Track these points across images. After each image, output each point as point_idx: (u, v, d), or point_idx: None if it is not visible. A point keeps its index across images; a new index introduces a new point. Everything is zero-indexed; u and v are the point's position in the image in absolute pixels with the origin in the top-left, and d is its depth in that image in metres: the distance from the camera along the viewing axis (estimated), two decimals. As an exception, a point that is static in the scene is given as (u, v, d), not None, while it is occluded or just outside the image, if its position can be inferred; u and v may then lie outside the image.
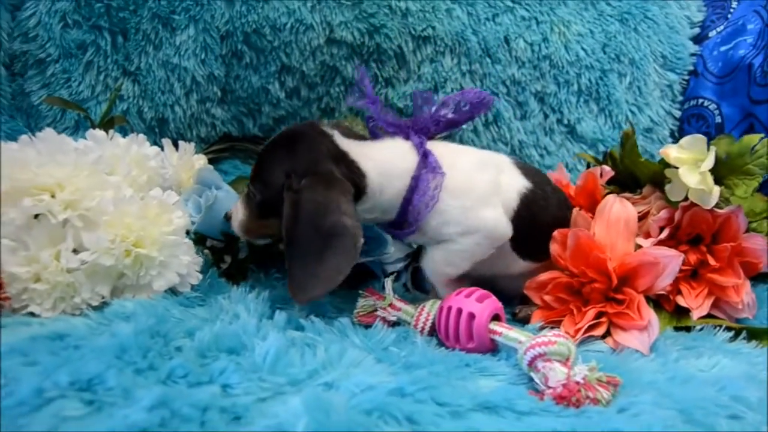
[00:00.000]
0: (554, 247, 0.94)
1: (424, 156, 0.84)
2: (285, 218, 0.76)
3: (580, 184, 1.13)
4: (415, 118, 0.89)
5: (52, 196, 0.81)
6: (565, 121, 1.41)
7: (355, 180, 0.81)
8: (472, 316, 0.78)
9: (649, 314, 0.85)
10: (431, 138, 0.89)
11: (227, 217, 0.89)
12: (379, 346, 0.73)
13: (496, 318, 0.80)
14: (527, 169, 0.96)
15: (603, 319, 0.87)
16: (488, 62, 1.37)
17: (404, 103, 1.35)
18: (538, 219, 0.93)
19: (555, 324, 0.89)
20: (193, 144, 1.12)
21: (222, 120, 1.35)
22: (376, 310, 0.84)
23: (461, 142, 1.36)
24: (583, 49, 1.41)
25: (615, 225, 0.93)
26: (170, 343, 0.69)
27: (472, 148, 0.95)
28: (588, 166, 1.22)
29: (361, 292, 0.87)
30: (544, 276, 0.94)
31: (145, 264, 0.81)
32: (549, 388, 0.66)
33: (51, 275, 0.77)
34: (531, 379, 0.70)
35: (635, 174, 1.11)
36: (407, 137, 0.87)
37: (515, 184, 0.91)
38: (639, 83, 1.44)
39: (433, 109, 0.89)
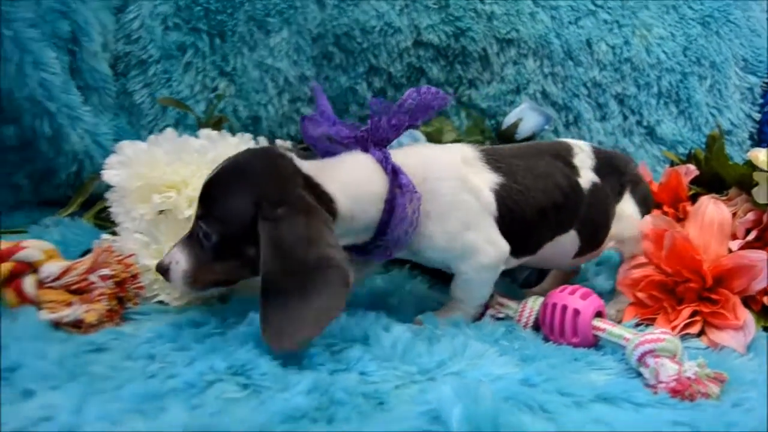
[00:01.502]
0: (647, 245, 0.97)
1: (394, 173, 0.77)
2: (263, 254, 0.68)
3: (663, 181, 1.16)
4: (373, 127, 0.79)
5: (178, 193, 0.87)
6: (645, 123, 1.44)
7: (325, 205, 0.73)
8: (577, 313, 0.82)
9: (745, 314, 0.88)
10: (387, 145, 0.82)
11: (160, 270, 0.76)
12: (491, 338, 0.78)
13: (598, 315, 0.84)
14: (500, 158, 0.87)
15: (697, 318, 0.90)
16: (570, 65, 1.40)
17: (487, 103, 1.39)
18: (520, 215, 0.86)
19: (649, 321, 0.92)
20: (289, 142, 1.17)
21: (310, 120, 1.40)
22: (480, 306, 0.89)
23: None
24: (664, 52, 1.43)
25: (709, 226, 0.96)
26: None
27: (439, 148, 0.90)
28: (672, 165, 1.25)
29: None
30: (637, 273, 0.97)
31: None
32: (660, 383, 0.69)
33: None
34: (639, 374, 0.73)
35: (720, 175, 1.13)
36: (367, 151, 0.80)
37: (485, 182, 0.84)
38: (719, 86, 1.45)
39: (392, 113, 0.81)
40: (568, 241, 0.93)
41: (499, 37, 1.38)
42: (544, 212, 0.87)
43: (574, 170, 0.93)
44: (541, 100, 1.40)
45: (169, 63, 1.32)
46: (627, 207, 0.99)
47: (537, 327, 0.86)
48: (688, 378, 0.69)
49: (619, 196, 0.98)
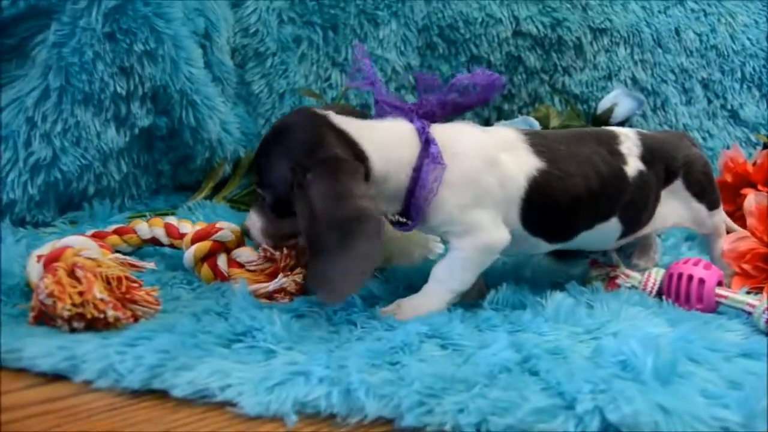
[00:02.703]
0: (751, 221, 1.06)
1: (426, 143, 0.78)
2: (300, 218, 0.72)
3: (760, 163, 1.24)
4: (420, 100, 0.82)
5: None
6: (729, 107, 1.53)
7: (360, 162, 0.75)
8: (702, 282, 0.92)
9: (842, 280, 0.98)
10: (436, 121, 0.83)
11: (245, 230, 0.85)
12: (631, 303, 0.87)
13: (719, 284, 0.94)
14: (545, 143, 0.86)
15: (802, 287, 1.00)
16: (659, 52, 1.49)
17: (580, 89, 1.49)
18: (553, 201, 0.84)
19: (756, 290, 1.02)
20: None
21: (412, 105, 1.51)
22: (609, 277, 0.98)
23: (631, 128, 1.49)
24: (748, 38, 1.52)
25: (810, 204, 1.05)
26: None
27: (481, 129, 0.86)
28: (765, 147, 1.33)
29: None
30: (743, 246, 1.06)
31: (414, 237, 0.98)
32: (788, 342, 0.79)
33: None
34: (767, 335, 0.83)
35: (811, 156, 1.22)
36: (411, 121, 0.81)
37: (524, 166, 0.83)
38: (801, 70, 1.54)
39: (442, 92, 0.83)
40: (610, 227, 0.92)
41: (593, 27, 1.47)
42: (583, 200, 0.86)
43: (620, 158, 0.91)
44: (631, 86, 1.49)
45: (285, 55, 1.42)
46: (677, 191, 0.99)
47: (659, 295, 0.96)
48: (815, 337, 0.78)
49: (668, 182, 0.97)
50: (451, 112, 0.83)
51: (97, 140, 1.11)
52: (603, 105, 1.41)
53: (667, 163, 0.96)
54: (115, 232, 0.93)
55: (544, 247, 0.90)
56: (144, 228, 0.93)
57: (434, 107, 0.82)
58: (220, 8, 1.34)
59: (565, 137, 0.91)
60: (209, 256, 0.88)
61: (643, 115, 1.50)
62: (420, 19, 1.43)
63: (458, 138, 0.81)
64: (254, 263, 0.87)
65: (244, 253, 0.88)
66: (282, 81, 1.42)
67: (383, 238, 0.71)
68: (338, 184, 0.71)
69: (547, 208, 0.84)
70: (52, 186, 1.09)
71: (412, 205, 0.78)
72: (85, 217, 1.13)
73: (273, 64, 1.42)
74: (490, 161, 0.81)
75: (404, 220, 0.81)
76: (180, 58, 1.15)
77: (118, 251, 0.92)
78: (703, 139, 1.52)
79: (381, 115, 0.84)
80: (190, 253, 0.87)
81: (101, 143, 1.12)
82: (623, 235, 0.95)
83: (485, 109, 1.51)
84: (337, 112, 0.79)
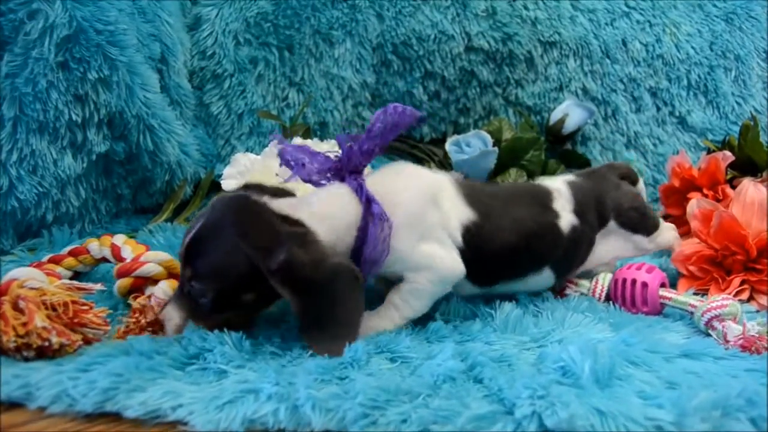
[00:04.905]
0: (695, 224, 1.10)
1: (368, 202, 0.78)
2: (288, 297, 0.72)
3: (702, 167, 1.28)
4: (345, 157, 0.81)
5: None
6: (677, 114, 1.58)
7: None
8: (645, 285, 0.95)
9: (788, 279, 1.01)
10: (362, 171, 0.83)
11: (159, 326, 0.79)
12: (579, 310, 0.90)
13: (662, 286, 0.97)
14: (479, 197, 0.88)
15: (746, 286, 1.03)
16: (608, 63, 1.54)
17: (533, 101, 1.53)
18: (484, 253, 0.86)
19: (703, 291, 1.05)
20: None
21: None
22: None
23: (583, 138, 1.53)
24: (692, 47, 1.57)
25: (750, 206, 1.09)
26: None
27: (416, 172, 0.87)
28: (709, 152, 1.37)
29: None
30: (688, 250, 1.10)
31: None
32: (728, 342, 0.82)
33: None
34: (707, 335, 0.86)
35: (754, 160, 1.26)
36: (342, 179, 0.81)
37: (458, 215, 0.85)
38: (743, 77, 1.59)
39: (362, 141, 0.81)
40: (542, 278, 0.95)
41: (542, 40, 1.51)
42: (517, 253, 0.88)
43: (553, 214, 0.93)
44: (582, 96, 1.53)
45: (242, 76, 1.44)
46: (612, 231, 1.02)
47: (608, 299, 0.99)
48: (753, 336, 0.82)
49: (602, 225, 1.01)
50: (375, 156, 0.83)
51: (54, 168, 1.12)
52: (555, 116, 1.45)
53: (599, 210, 1.00)
54: (70, 253, 0.94)
55: (469, 289, 0.90)
56: (95, 247, 0.94)
57: (360, 160, 0.81)
58: (176, 32, 1.36)
59: (499, 192, 0.93)
60: (134, 291, 0.87)
61: (595, 124, 1.54)
62: (374, 37, 1.46)
63: (396, 187, 0.82)
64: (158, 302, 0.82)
65: (158, 290, 0.85)
66: (240, 102, 1.44)
67: (362, 287, 0.75)
68: (310, 251, 0.72)
69: (481, 258, 0.85)
70: (10, 214, 1.10)
71: (362, 263, 0.78)
72: (44, 244, 1.13)
73: (231, 86, 1.44)
74: (431, 200, 0.82)
75: None
76: (135, 83, 1.17)
77: (77, 272, 0.94)
78: (654, 145, 1.56)
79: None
80: (115, 289, 0.87)
81: (58, 170, 1.12)
82: (556, 281, 0.98)
83: (441, 123, 1.54)
84: (270, 196, 0.79)
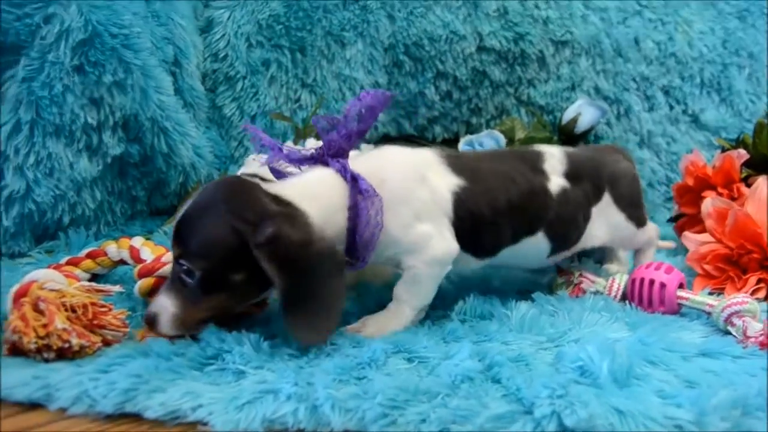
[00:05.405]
0: (710, 223, 1.10)
1: (354, 180, 0.78)
2: (272, 275, 0.70)
3: (717, 165, 1.28)
4: (327, 142, 0.81)
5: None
6: (690, 112, 1.58)
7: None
8: (663, 286, 0.94)
9: (804, 278, 1.01)
10: (346, 156, 0.82)
11: (148, 321, 0.75)
12: (595, 310, 0.90)
13: (680, 286, 0.97)
14: (463, 163, 0.88)
15: (762, 285, 1.03)
16: (620, 61, 1.54)
17: (545, 101, 1.52)
18: (476, 216, 0.85)
19: (718, 290, 1.05)
20: (371, 144, 1.30)
21: (383, 122, 1.54)
22: (573, 284, 1.01)
23: (596, 137, 1.53)
24: (705, 45, 1.56)
25: (765, 204, 1.08)
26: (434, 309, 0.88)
27: (399, 150, 0.87)
28: (723, 150, 1.37)
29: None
30: (704, 249, 1.09)
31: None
32: (749, 338, 0.82)
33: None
34: (726, 333, 0.86)
35: (768, 158, 1.26)
36: (326, 165, 0.81)
37: (447, 184, 0.84)
38: (757, 74, 1.59)
39: (341, 126, 0.81)
40: (536, 243, 0.93)
41: (554, 40, 1.51)
42: (507, 213, 0.87)
43: (542, 175, 0.92)
44: (594, 96, 1.53)
45: (255, 78, 1.45)
46: (606, 207, 1.00)
47: (623, 299, 0.99)
48: (773, 332, 0.81)
49: (597, 198, 0.98)
50: (356, 141, 0.83)
51: (70, 170, 1.13)
52: (567, 115, 1.45)
53: (594, 180, 0.98)
54: (88, 255, 0.95)
55: (474, 263, 0.90)
56: (113, 250, 0.95)
57: (341, 144, 0.81)
58: (189, 35, 1.37)
59: (486, 156, 0.93)
60: (155, 291, 0.85)
61: (608, 123, 1.54)
62: (386, 38, 1.47)
63: (381, 164, 0.82)
64: None
65: None
66: (253, 104, 1.45)
67: (345, 272, 0.75)
68: (299, 230, 0.71)
69: (473, 223, 0.85)
70: (27, 217, 1.11)
71: (357, 243, 0.78)
72: (61, 246, 1.14)
73: (243, 88, 1.45)
74: (418, 178, 0.82)
75: (349, 260, 0.81)
76: (149, 86, 1.18)
77: (95, 274, 0.95)
78: (667, 143, 1.56)
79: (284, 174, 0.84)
80: (136, 289, 0.87)
81: (74, 173, 1.14)
82: (553, 251, 0.96)
83: (454, 123, 1.54)
84: (260, 178, 0.79)
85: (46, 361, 0.69)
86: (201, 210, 0.73)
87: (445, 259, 0.83)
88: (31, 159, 1.09)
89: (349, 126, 0.80)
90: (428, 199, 0.81)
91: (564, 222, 0.94)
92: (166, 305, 0.74)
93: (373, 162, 0.83)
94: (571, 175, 0.95)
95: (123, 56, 1.13)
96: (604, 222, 1.00)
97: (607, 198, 0.99)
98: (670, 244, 1.30)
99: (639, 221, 1.03)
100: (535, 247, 0.93)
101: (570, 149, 1.01)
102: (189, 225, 0.73)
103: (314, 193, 0.77)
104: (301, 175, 0.81)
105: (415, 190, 0.81)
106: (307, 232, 0.72)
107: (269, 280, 0.71)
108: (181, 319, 0.74)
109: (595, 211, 0.99)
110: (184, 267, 0.72)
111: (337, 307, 0.75)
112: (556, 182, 0.93)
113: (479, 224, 0.86)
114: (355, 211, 0.77)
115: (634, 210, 1.02)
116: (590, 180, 0.97)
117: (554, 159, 0.95)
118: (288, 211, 0.73)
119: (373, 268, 0.99)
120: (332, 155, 0.81)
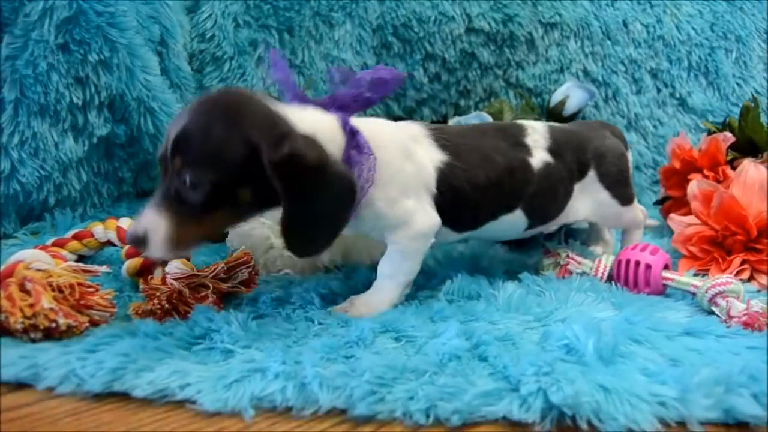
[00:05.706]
0: (696, 205, 1.10)
1: (352, 134, 0.77)
2: (285, 193, 0.68)
3: (703, 148, 1.29)
4: (335, 94, 0.80)
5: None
6: (677, 95, 1.58)
7: None
8: (648, 267, 0.95)
9: (787, 259, 1.02)
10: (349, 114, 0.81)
11: (134, 241, 0.69)
12: (581, 290, 0.91)
13: (665, 267, 0.97)
14: (445, 137, 0.88)
15: (746, 266, 1.04)
16: (608, 44, 1.54)
17: (534, 83, 1.52)
18: (458, 191, 0.86)
19: (703, 272, 1.06)
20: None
21: (371, 104, 1.53)
22: (559, 265, 1.01)
23: (584, 119, 1.53)
24: (693, 28, 1.57)
25: (751, 186, 1.09)
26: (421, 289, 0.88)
27: (381, 123, 0.86)
28: (709, 133, 1.37)
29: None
30: (689, 230, 1.10)
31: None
32: (732, 318, 0.83)
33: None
34: (710, 313, 0.87)
35: (754, 140, 1.26)
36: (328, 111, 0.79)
37: (431, 159, 0.85)
38: (744, 58, 1.59)
39: (353, 87, 0.80)
40: (514, 219, 0.93)
41: (543, 21, 1.51)
42: (487, 190, 0.87)
43: (525, 150, 0.92)
44: (583, 78, 1.53)
45: (242, 58, 1.44)
46: (590, 184, 0.99)
47: (609, 280, 0.99)
48: (756, 312, 0.82)
49: (581, 174, 0.98)
50: (362, 107, 0.81)
51: (56, 151, 1.12)
52: (555, 98, 1.45)
53: (578, 155, 0.97)
54: (74, 237, 0.94)
55: (453, 236, 0.91)
56: (100, 231, 0.94)
57: (348, 101, 0.79)
58: (176, 14, 1.35)
59: (468, 131, 0.92)
60: (144, 272, 0.88)
61: (596, 106, 1.54)
62: (374, 19, 1.46)
63: (376, 130, 0.81)
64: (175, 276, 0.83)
65: (171, 267, 0.86)
66: (240, 84, 1.43)
67: (356, 198, 0.73)
68: (317, 152, 0.69)
69: (454, 199, 0.85)
70: (12, 198, 1.10)
71: None
72: (47, 228, 1.14)
73: (230, 68, 1.44)
74: (406, 152, 0.82)
75: None
76: (135, 66, 1.17)
77: (81, 255, 0.94)
78: (654, 126, 1.57)
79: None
80: (124, 269, 0.87)
81: (60, 153, 1.13)
82: (530, 226, 0.96)
83: (442, 105, 1.54)
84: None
85: (33, 341, 0.69)
86: (209, 119, 0.68)
87: (429, 233, 0.83)
88: (16, 139, 1.08)
89: (360, 90, 0.79)
90: (414, 173, 0.82)
91: (544, 197, 0.94)
92: (157, 223, 0.68)
93: (369, 127, 0.81)
94: (554, 150, 0.95)
95: (108, 35, 1.12)
96: (588, 198, 1.00)
97: (592, 174, 0.99)
98: (654, 222, 1.32)
99: (624, 199, 1.03)
100: (512, 222, 0.93)
101: (555, 124, 1.01)
102: (195, 135, 0.68)
103: (315, 131, 0.73)
104: (305, 108, 0.77)
105: (403, 164, 0.81)
106: (323, 155, 0.70)
107: (273, 199, 0.70)
108: (176, 238, 0.68)
109: (579, 187, 0.98)
110: (188, 179, 0.67)
111: (338, 230, 0.74)
112: (539, 157, 0.93)
113: (460, 200, 0.86)
114: (348, 163, 0.75)
115: (620, 187, 1.01)
116: (574, 155, 0.97)
117: (537, 134, 0.95)
118: (306, 134, 0.70)
119: (359, 243, 1.00)
120: (337, 107, 0.79)
